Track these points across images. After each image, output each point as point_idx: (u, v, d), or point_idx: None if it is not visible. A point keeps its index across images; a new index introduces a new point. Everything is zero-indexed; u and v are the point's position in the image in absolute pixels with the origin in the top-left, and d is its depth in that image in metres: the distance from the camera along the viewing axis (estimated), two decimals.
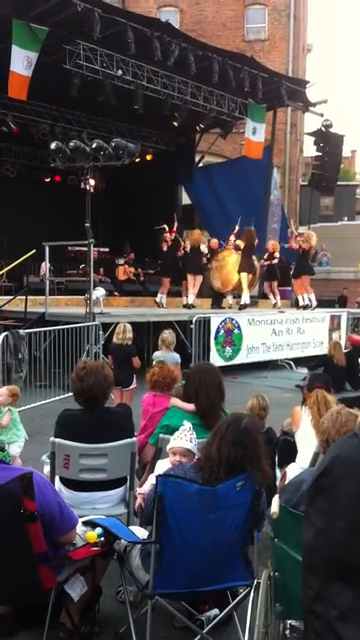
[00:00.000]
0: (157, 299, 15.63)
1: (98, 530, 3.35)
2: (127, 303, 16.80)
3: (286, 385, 12.48)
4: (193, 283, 15.37)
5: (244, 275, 15.65)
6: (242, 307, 15.81)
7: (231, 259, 16.48)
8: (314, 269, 18.07)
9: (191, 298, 15.33)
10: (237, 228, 16.97)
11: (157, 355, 8.64)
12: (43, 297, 13.18)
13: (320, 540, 1.83)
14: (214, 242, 16.95)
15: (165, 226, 15.59)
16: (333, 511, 1.80)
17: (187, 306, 15.23)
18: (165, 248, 15.38)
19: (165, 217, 20.49)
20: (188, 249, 15.42)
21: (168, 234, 15.44)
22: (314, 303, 16.68)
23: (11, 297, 13.57)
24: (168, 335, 8.90)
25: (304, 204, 26.42)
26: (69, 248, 18.84)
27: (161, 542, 3.06)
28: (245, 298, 15.89)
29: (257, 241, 15.94)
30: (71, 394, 4.46)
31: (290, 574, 2.65)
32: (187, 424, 3.86)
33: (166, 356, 8.31)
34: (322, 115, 20.65)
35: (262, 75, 17.00)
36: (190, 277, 15.42)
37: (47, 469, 4.29)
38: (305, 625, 1.95)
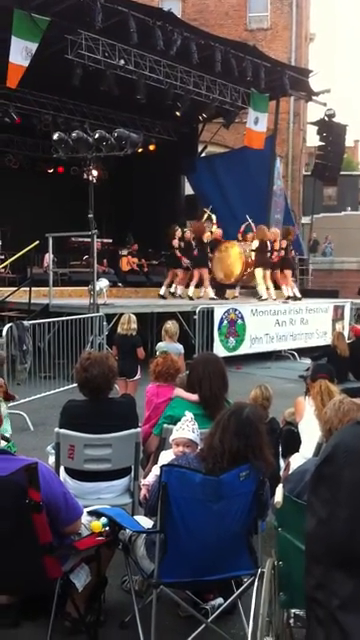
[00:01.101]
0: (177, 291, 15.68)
1: (103, 520, 3.37)
2: (131, 294, 16.78)
3: (289, 375, 12.49)
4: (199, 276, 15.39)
5: (259, 271, 15.77)
6: (259, 299, 15.90)
7: (234, 250, 16.47)
8: (318, 259, 18.03)
9: (191, 290, 15.34)
10: (243, 227, 16.97)
11: (160, 346, 8.66)
12: (47, 288, 13.17)
13: (322, 529, 1.83)
14: (218, 232, 16.90)
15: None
16: (335, 500, 1.80)
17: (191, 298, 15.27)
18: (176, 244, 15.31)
19: (168, 207, 20.53)
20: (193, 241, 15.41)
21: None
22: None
23: (15, 288, 13.58)
24: (171, 326, 8.91)
25: (307, 194, 26.30)
26: (72, 239, 18.81)
27: (166, 532, 3.07)
28: (262, 292, 15.96)
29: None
30: (75, 385, 4.48)
31: (294, 563, 2.67)
32: (189, 414, 3.87)
33: (169, 347, 8.32)
34: (325, 104, 20.58)
35: (265, 64, 16.91)
36: (196, 271, 15.44)
37: (52, 459, 4.31)
38: (307, 613, 1.96)
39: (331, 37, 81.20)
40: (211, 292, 15.54)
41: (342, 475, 1.79)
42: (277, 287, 16.76)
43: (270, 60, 17.54)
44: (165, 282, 15.87)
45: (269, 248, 15.98)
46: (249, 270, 16.36)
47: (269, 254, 16.01)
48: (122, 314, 9.67)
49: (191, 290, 15.25)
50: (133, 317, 9.20)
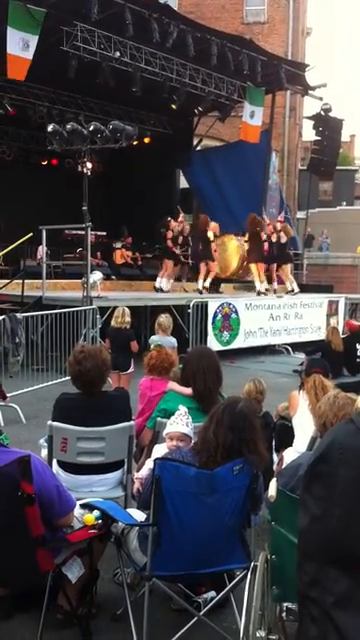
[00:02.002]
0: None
1: (95, 513, 3.37)
2: (124, 287, 16.76)
3: (283, 370, 12.51)
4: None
5: (253, 266, 15.93)
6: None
7: (231, 244, 16.46)
8: (313, 254, 18.03)
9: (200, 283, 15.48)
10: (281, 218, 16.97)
11: (154, 339, 8.65)
12: (40, 281, 13.14)
13: (316, 526, 1.83)
14: (214, 226, 16.88)
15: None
16: (329, 497, 1.80)
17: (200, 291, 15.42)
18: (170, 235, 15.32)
19: (163, 201, 20.48)
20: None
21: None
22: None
23: (8, 281, 13.54)
24: (164, 319, 8.90)
25: (303, 189, 26.29)
26: (66, 232, 18.75)
27: (159, 525, 3.07)
28: (260, 287, 16.02)
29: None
30: (68, 378, 4.46)
31: (287, 557, 2.66)
32: (182, 408, 3.86)
33: (163, 340, 8.32)
34: (321, 99, 20.57)
35: (261, 58, 16.86)
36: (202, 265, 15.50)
37: (45, 452, 4.30)
38: (300, 610, 1.95)
39: (328, 31, 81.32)
40: (200, 284, 15.53)
41: (337, 473, 1.79)
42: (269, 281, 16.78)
43: (266, 54, 17.49)
44: (159, 274, 15.84)
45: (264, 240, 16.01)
46: (245, 264, 16.36)
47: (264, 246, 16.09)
48: (116, 307, 9.65)
49: (200, 283, 15.27)
50: (127, 310, 9.19)
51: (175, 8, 19.23)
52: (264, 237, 16.12)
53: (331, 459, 1.81)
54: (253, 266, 15.91)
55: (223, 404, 3.32)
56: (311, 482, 1.87)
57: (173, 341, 8.74)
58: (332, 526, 1.78)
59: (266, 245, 16.13)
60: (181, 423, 3.73)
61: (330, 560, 1.78)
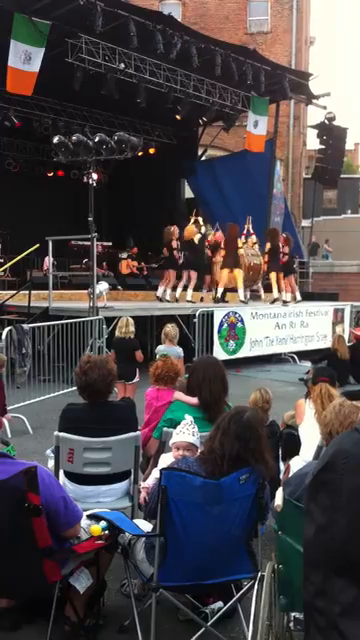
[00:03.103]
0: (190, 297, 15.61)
1: (102, 523, 3.36)
2: (130, 297, 16.79)
3: (289, 378, 12.49)
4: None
5: (273, 275, 15.98)
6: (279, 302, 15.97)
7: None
8: (318, 262, 18.05)
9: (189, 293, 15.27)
10: (246, 227, 16.95)
11: (160, 349, 8.67)
12: (46, 291, 13.17)
13: (322, 536, 1.82)
14: (219, 235, 16.90)
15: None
16: (335, 507, 1.79)
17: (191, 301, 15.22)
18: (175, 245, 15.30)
19: (168, 211, 20.54)
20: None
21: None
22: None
23: (15, 292, 13.58)
24: (171, 329, 8.91)
25: (307, 197, 26.31)
26: (72, 242, 18.79)
27: (165, 535, 3.07)
28: (282, 296, 16.06)
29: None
30: (75, 388, 4.47)
31: (294, 567, 2.66)
32: (188, 418, 3.86)
33: (169, 350, 8.33)
34: (325, 108, 20.64)
35: (265, 68, 16.95)
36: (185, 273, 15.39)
37: (51, 463, 4.31)
38: (306, 620, 1.94)
39: (332, 41, 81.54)
40: (189, 295, 15.33)
41: (342, 482, 1.78)
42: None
43: (270, 64, 17.58)
44: (160, 283, 15.79)
45: (280, 251, 16.13)
46: (251, 273, 16.34)
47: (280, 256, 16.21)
48: (121, 317, 9.68)
49: (189, 294, 15.21)
50: (131, 320, 9.21)
51: (179, 19, 19.35)
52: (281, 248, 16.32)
53: (336, 468, 1.81)
54: (273, 276, 16.03)
55: (229, 413, 3.32)
56: (316, 491, 1.87)
57: (179, 351, 8.75)
58: (338, 536, 1.78)
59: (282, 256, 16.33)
60: (187, 432, 3.73)
61: (336, 569, 1.78)
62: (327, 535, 1.79)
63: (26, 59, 12.42)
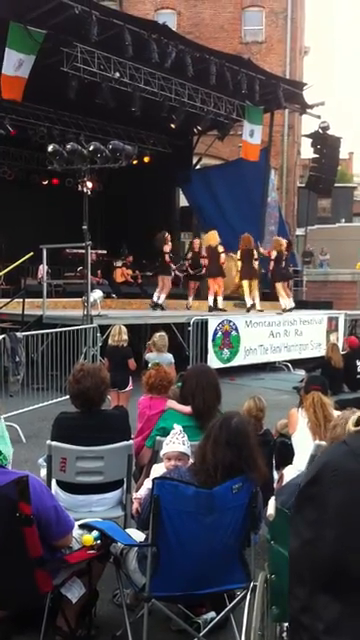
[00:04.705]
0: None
1: (94, 533, 3.35)
2: (125, 305, 16.77)
3: (284, 387, 12.48)
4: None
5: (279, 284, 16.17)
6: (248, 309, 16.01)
7: (228, 263, 16.48)
8: (312, 271, 18.12)
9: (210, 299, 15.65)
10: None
11: (151, 357, 8.64)
12: (41, 300, 13.14)
13: (307, 550, 1.78)
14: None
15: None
16: (321, 521, 1.75)
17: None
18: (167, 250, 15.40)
19: (163, 220, 20.56)
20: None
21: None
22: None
23: (8, 300, 13.55)
24: (159, 339, 8.91)
25: (301, 206, 26.42)
26: (67, 250, 18.82)
27: (158, 545, 3.06)
28: (249, 302, 16.03)
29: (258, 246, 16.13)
30: (68, 397, 4.46)
31: (286, 577, 2.63)
32: (177, 427, 3.83)
33: (160, 358, 8.32)
34: (319, 117, 20.71)
35: (259, 77, 17.02)
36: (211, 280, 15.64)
37: (44, 472, 4.29)
38: (292, 636, 1.91)
39: (326, 50, 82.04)
40: (220, 303, 15.69)
41: (329, 496, 1.74)
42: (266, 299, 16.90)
43: (265, 73, 17.65)
44: (157, 290, 15.84)
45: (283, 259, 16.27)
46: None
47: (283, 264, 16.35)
48: (114, 325, 9.68)
49: (220, 302, 15.58)
50: (124, 328, 9.21)
51: (174, 29, 19.42)
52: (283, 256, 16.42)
53: (323, 481, 1.77)
54: (279, 285, 16.20)
55: (218, 421, 3.30)
56: (302, 505, 1.83)
57: (170, 357, 8.76)
58: (323, 550, 1.74)
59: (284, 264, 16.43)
60: (178, 442, 3.70)
61: (321, 585, 1.74)
62: (313, 550, 1.76)
63: (19, 66, 12.46)
